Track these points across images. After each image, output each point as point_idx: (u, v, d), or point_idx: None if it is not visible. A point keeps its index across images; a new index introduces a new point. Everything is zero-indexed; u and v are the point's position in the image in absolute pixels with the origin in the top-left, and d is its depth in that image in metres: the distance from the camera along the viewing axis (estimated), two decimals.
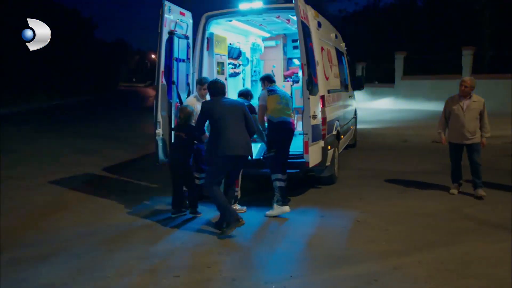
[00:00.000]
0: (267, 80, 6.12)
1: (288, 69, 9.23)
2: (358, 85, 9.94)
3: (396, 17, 24.29)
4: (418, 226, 5.18)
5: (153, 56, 75.59)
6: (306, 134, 5.36)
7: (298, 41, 5.38)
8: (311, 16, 5.90)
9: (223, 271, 4.04)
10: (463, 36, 19.35)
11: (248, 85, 8.62)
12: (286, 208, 5.48)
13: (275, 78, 7.84)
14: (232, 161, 4.96)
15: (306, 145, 5.36)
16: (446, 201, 6.16)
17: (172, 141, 5.78)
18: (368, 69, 20.57)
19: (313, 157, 5.51)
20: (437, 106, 17.37)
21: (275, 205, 5.51)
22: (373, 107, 16.86)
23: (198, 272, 4.03)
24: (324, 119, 6.02)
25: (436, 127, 6.59)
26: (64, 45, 29.56)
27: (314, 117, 5.45)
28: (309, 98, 5.31)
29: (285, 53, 9.32)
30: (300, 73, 7.98)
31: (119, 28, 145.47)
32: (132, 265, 4.19)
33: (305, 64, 5.27)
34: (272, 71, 8.99)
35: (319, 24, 6.36)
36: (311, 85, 5.29)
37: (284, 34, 9.06)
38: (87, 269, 4.14)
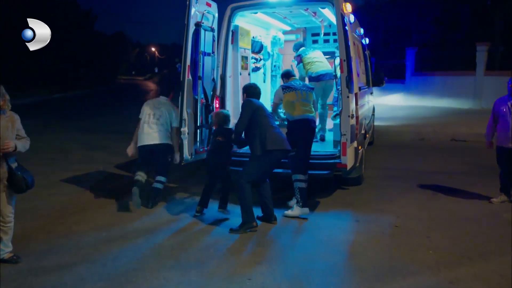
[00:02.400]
0: (285, 76, 5.99)
1: None
2: (378, 81, 9.61)
3: (406, 10, 23.86)
4: (461, 233, 4.89)
5: (153, 49, 75.22)
6: (344, 134, 5.04)
7: (337, 36, 5.08)
8: (346, 9, 5.56)
9: (266, 284, 3.73)
10: (474, 32, 19.01)
11: (268, 81, 8.29)
12: (306, 210, 5.30)
13: (295, 72, 7.61)
14: (279, 157, 4.99)
15: (344, 147, 5.05)
16: (481, 205, 5.87)
17: (209, 145, 5.77)
18: (377, 64, 20.21)
19: (350, 159, 5.20)
20: (449, 103, 17.18)
21: (295, 206, 5.34)
22: (383, 103, 16.52)
23: (239, 285, 3.72)
24: (357, 118, 5.71)
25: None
26: (64, 37, 29.06)
27: (352, 116, 5.13)
28: (348, 97, 4.99)
29: None
30: None
31: (118, 20, 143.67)
32: (166, 276, 3.87)
33: (344, 60, 4.95)
34: (292, 65, 8.66)
35: (352, 18, 6.02)
36: (350, 82, 4.97)
37: (305, 27, 8.72)
38: (116, 280, 3.82)
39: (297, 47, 7.58)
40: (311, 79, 7.17)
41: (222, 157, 5.42)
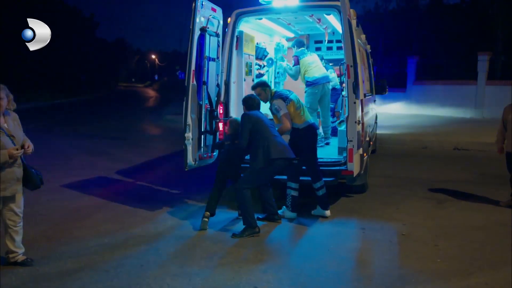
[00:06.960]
0: (268, 86, 5.55)
1: None
2: (381, 89, 9.57)
3: (407, 19, 23.97)
4: (469, 242, 4.81)
5: (153, 56, 75.45)
6: (351, 141, 4.99)
7: (343, 42, 5.03)
8: (352, 15, 5.53)
9: None
10: (475, 41, 19.03)
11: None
12: (293, 215, 5.44)
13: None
14: (282, 165, 4.98)
15: (350, 153, 4.99)
16: (489, 213, 5.81)
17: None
18: (378, 73, 20.22)
19: (356, 166, 5.14)
20: (451, 112, 17.11)
21: (284, 208, 5.50)
22: (384, 111, 16.45)
23: None
24: (362, 124, 5.65)
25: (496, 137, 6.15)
26: (65, 44, 29.13)
27: (359, 122, 5.08)
28: (355, 103, 4.94)
29: None
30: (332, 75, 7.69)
31: (119, 27, 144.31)
32: (170, 284, 3.79)
33: (351, 66, 4.91)
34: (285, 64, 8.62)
35: (357, 24, 6.00)
36: (357, 88, 4.92)
37: (308, 34, 8.71)
38: (119, 287, 3.74)
39: (297, 44, 7.40)
40: (308, 84, 7.14)
41: (236, 161, 5.35)
